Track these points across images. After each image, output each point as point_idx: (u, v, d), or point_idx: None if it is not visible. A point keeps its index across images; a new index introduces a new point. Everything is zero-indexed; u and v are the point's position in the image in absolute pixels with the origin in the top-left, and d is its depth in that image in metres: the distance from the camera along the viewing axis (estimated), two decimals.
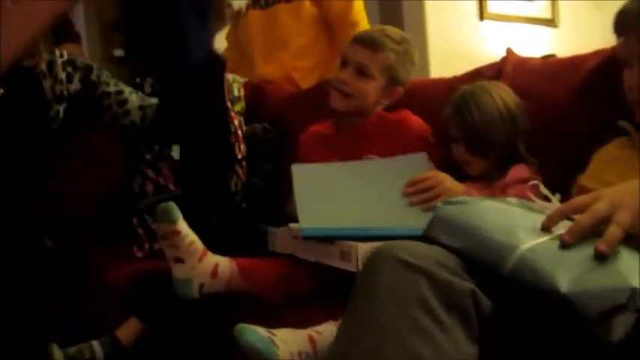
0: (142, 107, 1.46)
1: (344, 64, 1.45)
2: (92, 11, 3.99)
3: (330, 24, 1.96)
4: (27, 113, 1.42)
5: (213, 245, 1.26)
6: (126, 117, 1.46)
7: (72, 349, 1.26)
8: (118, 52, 4.10)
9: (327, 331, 1.05)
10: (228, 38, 2.15)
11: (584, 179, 1.08)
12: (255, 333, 1.01)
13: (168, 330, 1.28)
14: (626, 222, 0.70)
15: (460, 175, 1.34)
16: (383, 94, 1.46)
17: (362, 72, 1.42)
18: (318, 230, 1.15)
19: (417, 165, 1.28)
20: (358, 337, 0.69)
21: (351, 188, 1.25)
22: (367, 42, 1.42)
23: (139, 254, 1.59)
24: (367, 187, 1.25)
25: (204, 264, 1.20)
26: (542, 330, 0.72)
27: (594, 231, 0.71)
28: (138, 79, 1.66)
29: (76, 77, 1.46)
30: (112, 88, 1.47)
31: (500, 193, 1.23)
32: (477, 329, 0.70)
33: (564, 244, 0.71)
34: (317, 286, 1.20)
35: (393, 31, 1.49)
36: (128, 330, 1.29)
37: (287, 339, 1.03)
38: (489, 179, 1.31)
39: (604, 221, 0.71)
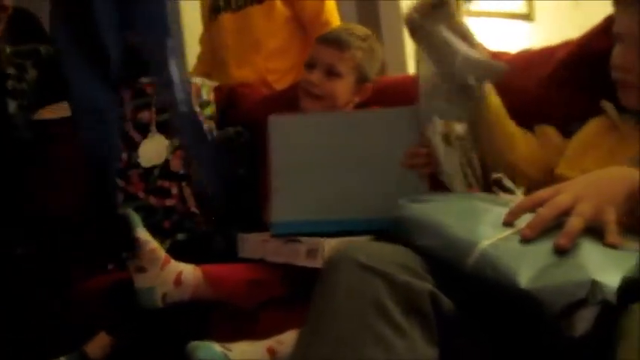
0: None
1: (311, 65, 1.44)
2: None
3: (303, 25, 1.94)
4: None
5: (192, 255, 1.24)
6: None
7: None
8: None
9: (289, 339, 1.03)
10: (201, 42, 2.13)
11: (561, 167, 1.06)
12: (209, 349, 0.99)
13: (138, 343, 1.25)
14: (587, 214, 0.68)
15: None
16: (353, 92, 1.45)
17: (331, 72, 1.41)
18: (288, 227, 1.13)
19: (405, 120, 1.17)
20: (314, 344, 0.68)
21: (332, 152, 1.17)
22: (333, 42, 1.41)
23: (111, 266, 1.55)
24: (351, 151, 1.17)
25: (166, 272, 1.17)
26: (506, 327, 0.70)
27: (556, 224, 0.69)
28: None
29: (28, 65, 1.42)
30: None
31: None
32: (437, 331, 0.68)
33: (525, 239, 0.69)
34: (288, 292, 1.18)
35: (357, 28, 1.48)
36: (97, 345, 1.26)
37: (244, 352, 1.01)
38: None
39: (565, 214, 0.69)
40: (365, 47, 1.43)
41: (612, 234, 0.67)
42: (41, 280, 1.45)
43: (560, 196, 0.71)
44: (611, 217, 0.69)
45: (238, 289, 1.18)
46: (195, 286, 1.18)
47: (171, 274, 1.17)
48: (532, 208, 0.72)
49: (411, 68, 2.67)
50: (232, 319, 1.22)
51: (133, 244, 1.16)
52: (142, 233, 1.18)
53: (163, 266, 1.17)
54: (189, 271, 1.19)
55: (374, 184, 1.13)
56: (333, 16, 1.91)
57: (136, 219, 1.18)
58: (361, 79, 1.44)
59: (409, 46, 2.76)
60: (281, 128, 1.20)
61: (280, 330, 1.08)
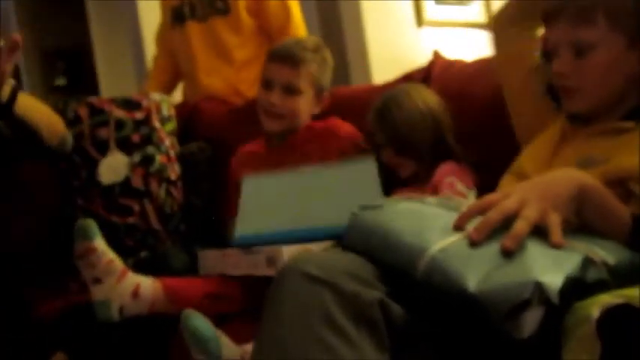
0: None
1: (268, 84, 1.43)
2: (30, 39, 3.91)
3: (270, 36, 1.93)
4: None
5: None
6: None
7: None
8: (60, 81, 4.04)
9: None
10: (160, 50, 2.09)
11: (528, 167, 1.05)
12: (203, 321, 0.98)
13: None
14: (533, 216, 0.69)
15: (394, 181, 1.34)
16: (313, 105, 1.46)
17: (290, 90, 1.41)
18: (249, 238, 1.15)
19: (367, 172, 1.22)
20: (263, 357, 0.67)
21: (296, 195, 1.23)
22: (287, 59, 1.40)
23: (74, 287, 1.52)
24: (314, 193, 1.22)
25: (124, 284, 1.15)
26: (458, 332, 0.70)
27: (504, 228, 0.70)
28: (60, 104, 1.60)
29: None
30: None
31: (431, 193, 1.23)
32: (388, 339, 0.68)
33: (472, 242, 0.69)
34: (247, 306, 1.17)
35: (307, 40, 1.49)
36: None
37: (229, 346, 1.00)
38: (423, 180, 1.30)
39: (511, 217, 0.70)
40: (318, 59, 1.43)
41: (556, 235, 0.69)
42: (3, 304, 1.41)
43: (507, 200, 0.72)
44: (554, 219, 0.70)
45: (197, 302, 1.17)
46: (154, 300, 1.16)
47: (129, 286, 1.15)
48: (480, 212, 0.73)
49: (376, 78, 2.72)
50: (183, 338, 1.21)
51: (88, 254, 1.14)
52: (100, 244, 1.15)
53: (120, 278, 1.15)
54: (147, 283, 1.17)
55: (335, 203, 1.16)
56: (299, 28, 1.91)
57: (94, 229, 1.15)
58: (319, 90, 1.45)
59: (372, 55, 2.80)
60: (252, 186, 1.26)
61: (240, 343, 1.07)
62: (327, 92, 1.48)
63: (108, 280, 1.14)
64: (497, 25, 1.22)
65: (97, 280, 1.15)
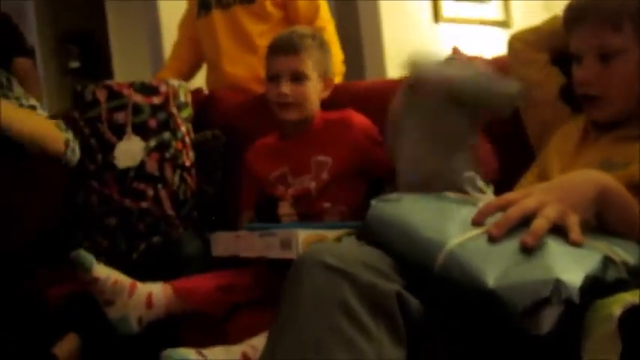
0: None
1: (275, 77, 1.44)
2: (45, 23, 3.92)
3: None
4: None
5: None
6: None
7: None
8: (74, 64, 4.05)
9: (261, 343, 1.03)
10: (182, 38, 2.10)
11: (554, 169, 1.05)
12: (184, 356, 0.98)
13: (107, 346, 1.24)
14: (552, 215, 0.69)
15: None
16: (320, 90, 1.47)
17: (297, 78, 1.43)
18: (263, 225, 1.17)
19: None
20: (280, 347, 0.68)
21: None
22: (289, 49, 1.43)
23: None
24: None
25: (136, 297, 1.17)
26: (475, 327, 0.70)
27: (523, 226, 0.70)
28: (79, 87, 1.61)
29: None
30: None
31: None
32: (405, 331, 0.68)
33: (492, 238, 0.69)
34: (260, 295, 1.17)
35: (302, 29, 1.51)
36: (66, 346, 1.24)
37: (220, 357, 1.00)
38: None
39: (531, 215, 0.70)
40: (317, 44, 1.45)
41: (575, 233, 0.68)
42: (8, 291, 1.42)
43: (527, 199, 0.72)
44: (573, 219, 0.70)
45: (209, 297, 1.18)
46: (168, 304, 1.18)
47: (141, 297, 1.17)
48: (500, 209, 0.73)
49: (391, 74, 2.71)
50: (203, 326, 1.22)
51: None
52: (99, 271, 1.17)
53: (131, 293, 1.17)
54: (158, 290, 1.19)
55: None
56: (327, 21, 1.91)
57: (88, 259, 1.17)
58: (323, 73, 1.47)
59: (388, 51, 2.79)
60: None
61: (252, 333, 1.07)
62: (332, 76, 1.51)
63: (119, 299, 1.17)
64: (514, 44, 1.23)
65: (109, 303, 1.17)
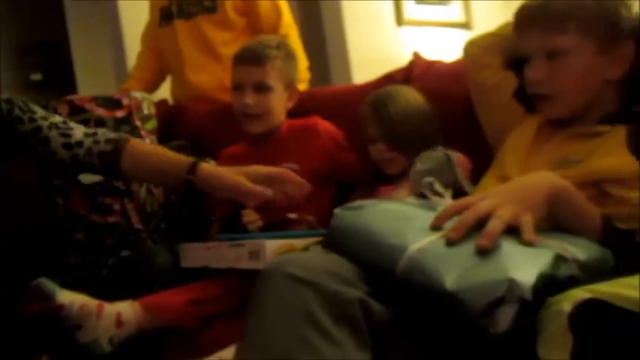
0: (66, 146, 1.25)
1: (239, 88, 1.45)
2: (6, 34, 3.84)
3: (259, 33, 1.94)
4: None
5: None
6: (52, 156, 1.27)
7: None
8: (36, 77, 3.98)
9: (230, 355, 1.03)
10: (145, 48, 2.09)
11: (508, 168, 1.08)
12: None
13: None
14: (506, 216, 0.72)
15: (379, 177, 1.36)
16: (285, 100, 1.48)
17: (261, 88, 1.43)
18: (233, 235, 1.18)
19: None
20: (247, 358, 0.68)
21: None
22: (253, 59, 1.43)
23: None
24: None
25: (105, 319, 1.15)
26: (437, 330, 0.72)
27: (481, 228, 0.73)
28: (43, 103, 1.59)
29: None
30: (27, 127, 1.32)
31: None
32: (369, 337, 0.70)
33: (450, 241, 0.72)
34: (231, 307, 1.18)
35: (268, 39, 1.51)
36: None
37: None
38: (407, 177, 1.33)
39: (486, 217, 0.72)
40: (282, 54, 1.46)
41: (528, 233, 0.71)
42: None
43: (482, 201, 0.75)
44: (527, 219, 0.73)
45: (181, 310, 1.18)
46: (138, 321, 1.17)
47: (111, 318, 1.15)
48: (457, 213, 0.76)
49: (356, 77, 2.73)
50: (178, 339, 1.21)
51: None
52: (63, 297, 1.15)
53: (99, 315, 1.15)
54: (127, 308, 1.17)
55: None
56: (290, 28, 1.92)
57: (51, 287, 1.15)
58: (288, 84, 1.47)
59: (352, 54, 2.82)
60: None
61: (227, 344, 1.08)
62: (297, 86, 1.51)
63: (87, 322, 1.15)
64: (470, 50, 1.27)
65: (78, 327, 1.15)
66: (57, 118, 1.28)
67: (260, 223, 1.34)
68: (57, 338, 1.27)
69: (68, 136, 1.24)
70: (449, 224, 0.76)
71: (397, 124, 1.32)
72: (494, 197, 0.75)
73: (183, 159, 1.21)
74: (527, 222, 0.72)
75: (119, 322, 1.16)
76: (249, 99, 1.43)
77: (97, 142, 1.23)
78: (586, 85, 0.99)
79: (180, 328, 1.19)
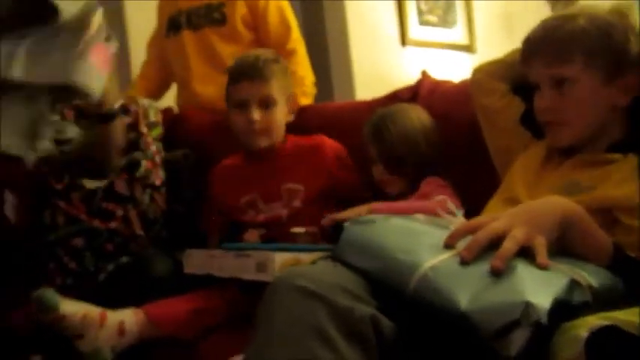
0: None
1: (243, 105, 1.42)
2: None
3: (267, 47, 1.94)
4: None
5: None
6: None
7: None
8: None
9: None
10: (150, 58, 2.09)
11: (518, 191, 1.08)
12: None
13: None
14: (520, 237, 0.72)
15: (381, 196, 1.36)
16: (287, 113, 1.48)
17: (267, 104, 1.42)
18: (238, 245, 1.16)
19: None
20: None
21: None
22: (255, 75, 1.41)
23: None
24: None
25: (107, 328, 1.15)
26: (447, 349, 0.72)
27: (495, 249, 0.72)
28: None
29: None
30: None
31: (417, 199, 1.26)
32: (378, 354, 0.69)
33: (463, 261, 0.71)
34: (233, 317, 1.17)
35: (264, 53, 1.49)
36: None
37: None
38: (408, 197, 1.32)
39: (500, 237, 0.72)
40: (281, 68, 1.46)
41: (541, 256, 0.71)
42: None
43: (496, 222, 0.75)
44: (540, 241, 0.73)
45: (183, 321, 1.17)
46: (141, 330, 1.16)
47: (113, 327, 1.15)
48: (470, 232, 0.75)
49: (359, 95, 2.75)
50: (176, 349, 1.20)
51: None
52: (65, 307, 1.14)
53: (102, 324, 1.15)
54: (130, 317, 1.17)
55: None
56: (298, 44, 1.93)
57: (54, 298, 1.14)
58: (288, 97, 1.47)
59: (357, 73, 2.84)
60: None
61: (225, 355, 1.06)
62: (295, 99, 1.52)
63: (89, 332, 1.14)
64: (476, 75, 1.28)
65: (79, 337, 1.14)
66: None
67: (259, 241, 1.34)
68: (50, 343, 1.25)
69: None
70: (461, 244, 0.75)
71: (396, 147, 1.31)
72: (506, 218, 0.75)
73: None
74: (540, 244, 0.72)
75: (121, 331, 1.14)
76: (256, 115, 1.41)
77: None
78: (594, 112, 1.00)
79: (180, 338, 1.18)
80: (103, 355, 1.13)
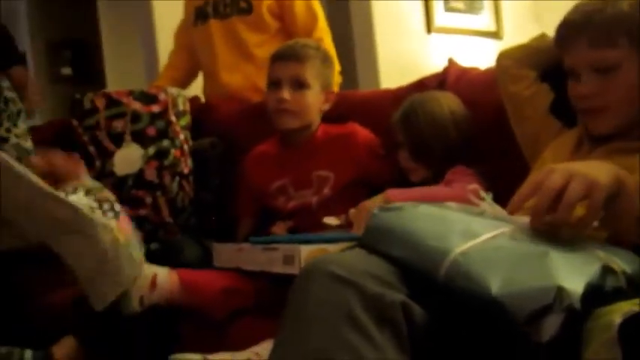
0: None
1: (276, 83, 1.44)
2: (37, 29, 3.91)
3: (293, 36, 1.95)
4: None
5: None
6: None
7: (2, 348, 1.20)
8: (66, 71, 4.04)
9: (265, 351, 1.03)
10: (177, 47, 2.11)
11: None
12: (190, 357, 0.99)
13: (105, 350, 1.24)
14: (580, 189, 0.71)
15: (404, 184, 1.36)
16: (321, 102, 1.47)
17: (298, 85, 1.43)
18: (265, 238, 1.17)
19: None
20: (286, 356, 0.68)
21: None
22: (292, 56, 1.44)
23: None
24: None
25: (141, 277, 1.16)
26: (479, 335, 0.72)
27: (526, 235, 0.72)
28: (78, 95, 1.61)
29: None
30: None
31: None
32: (410, 340, 0.69)
33: (534, 229, 0.72)
34: (262, 302, 1.18)
35: (306, 40, 1.53)
36: (63, 347, 1.24)
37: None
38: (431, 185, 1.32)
39: (559, 194, 0.71)
40: (321, 56, 1.47)
41: (595, 211, 0.71)
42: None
43: (553, 176, 0.73)
44: (601, 194, 0.71)
45: (213, 296, 1.18)
46: (171, 290, 1.17)
47: (146, 278, 1.16)
48: (532, 195, 0.74)
49: (384, 83, 2.73)
50: (203, 327, 1.22)
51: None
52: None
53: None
54: (164, 274, 1.18)
55: None
56: (325, 32, 1.93)
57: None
58: (325, 86, 1.47)
59: (382, 61, 2.82)
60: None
61: (253, 340, 1.08)
62: (333, 90, 1.51)
63: None
64: (502, 61, 1.26)
65: None
66: None
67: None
68: (84, 323, 1.28)
69: None
70: (490, 229, 0.75)
71: (424, 135, 1.31)
72: (562, 171, 0.73)
73: None
74: (598, 199, 0.71)
75: (153, 284, 1.16)
76: (286, 94, 1.42)
77: None
78: (637, 97, 0.98)
79: (208, 315, 1.19)
80: (133, 301, 1.14)
